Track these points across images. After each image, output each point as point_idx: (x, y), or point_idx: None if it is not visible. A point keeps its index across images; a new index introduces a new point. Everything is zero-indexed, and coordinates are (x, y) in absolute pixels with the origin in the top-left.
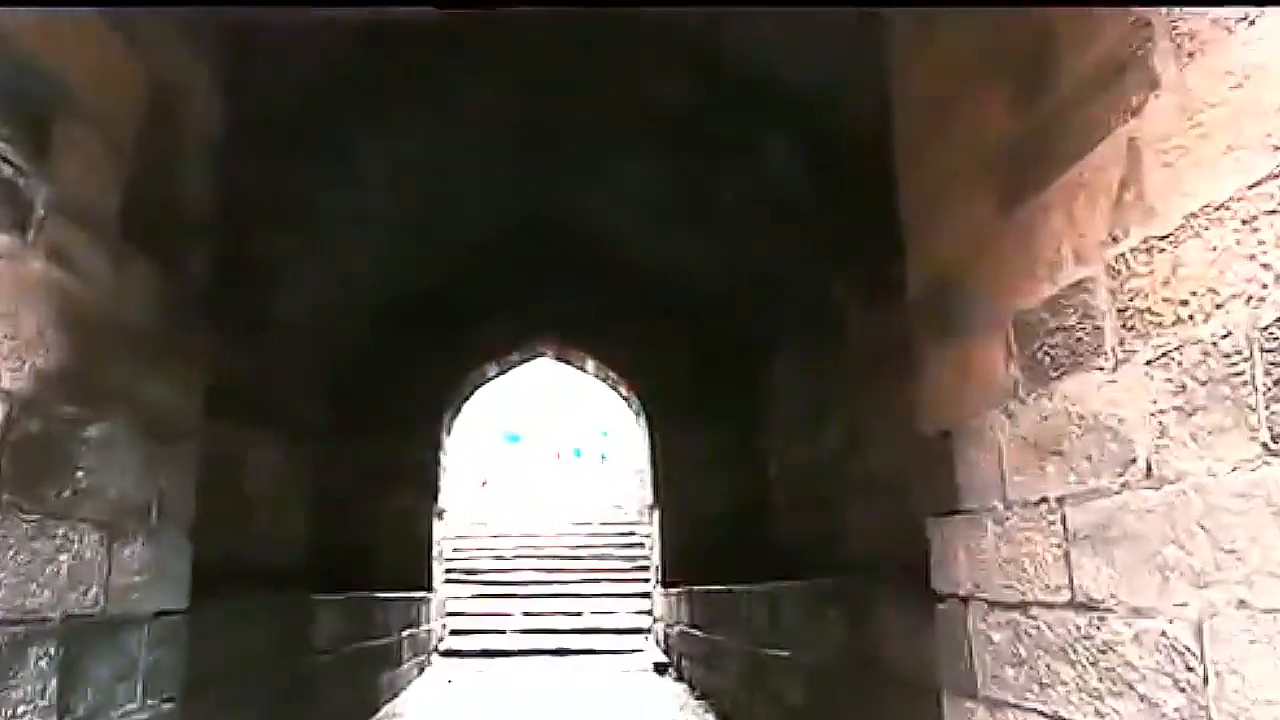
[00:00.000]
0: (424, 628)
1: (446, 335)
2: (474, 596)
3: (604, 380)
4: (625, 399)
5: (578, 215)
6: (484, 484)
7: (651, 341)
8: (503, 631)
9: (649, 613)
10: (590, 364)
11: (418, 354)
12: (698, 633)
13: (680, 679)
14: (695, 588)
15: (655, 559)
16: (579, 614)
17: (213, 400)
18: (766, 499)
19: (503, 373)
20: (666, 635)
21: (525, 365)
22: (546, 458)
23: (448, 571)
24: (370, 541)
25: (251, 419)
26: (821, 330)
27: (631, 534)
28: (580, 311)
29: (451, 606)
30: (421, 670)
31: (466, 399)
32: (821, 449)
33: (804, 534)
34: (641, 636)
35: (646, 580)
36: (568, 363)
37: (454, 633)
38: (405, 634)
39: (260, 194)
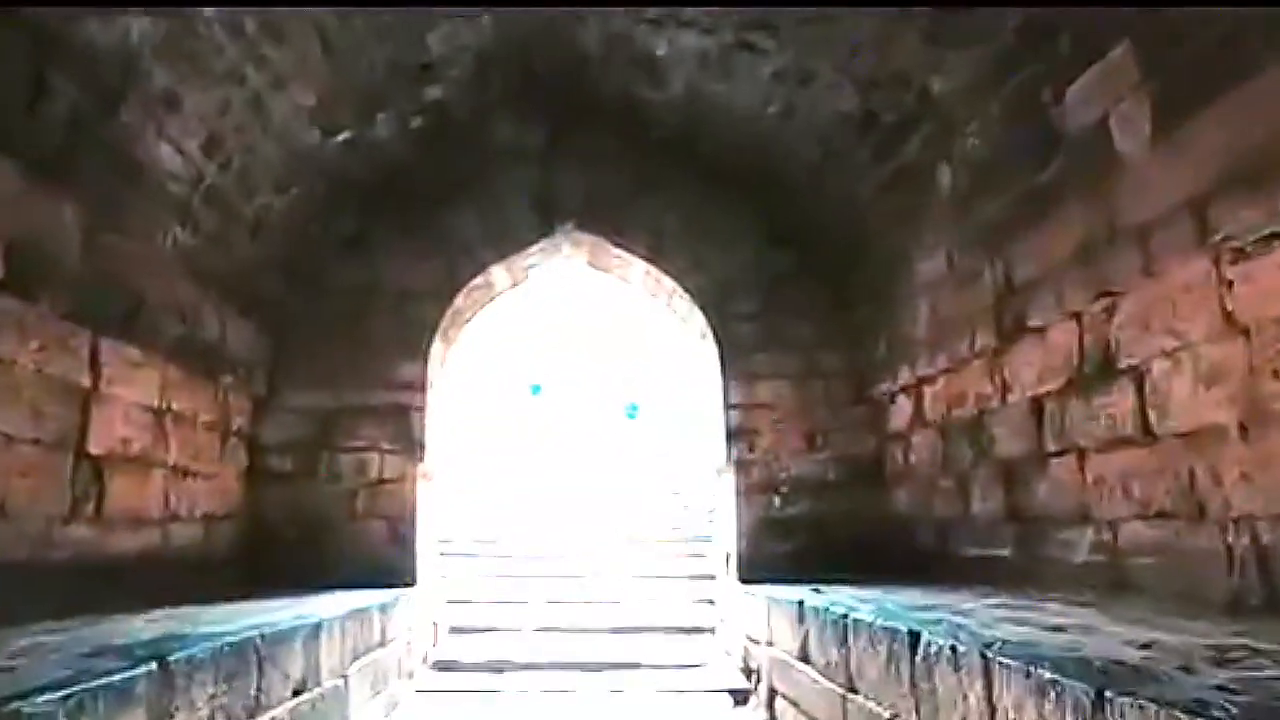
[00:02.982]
0: (394, 643)
1: (426, 227)
2: (483, 577)
3: (653, 293)
4: (682, 318)
5: (612, 45)
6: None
7: (720, 234)
8: (517, 630)
9: (709, 601)
10: (634, 266)
11: (385, 254)
12: (813, 674)
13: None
14: (814, 605)
15: (728, 541)
16: (617, 603)
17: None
18: (887, 460)
19: (516, 285)
20: (747, 650)
21: (545, 270)
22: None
23: (444, 546)
24: (325, 514)
25: (113, 330)
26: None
27: (677, 494)
28: (616, 188)
29: (454, 592)
30: (389, 712)
31: (466, 320)
32: (989, 394)
33: (952, 514)
34: (704, 639)
35: (702, 557)
36: (601, 269)
37: (454, 631)
38: (356, 666)
39: None
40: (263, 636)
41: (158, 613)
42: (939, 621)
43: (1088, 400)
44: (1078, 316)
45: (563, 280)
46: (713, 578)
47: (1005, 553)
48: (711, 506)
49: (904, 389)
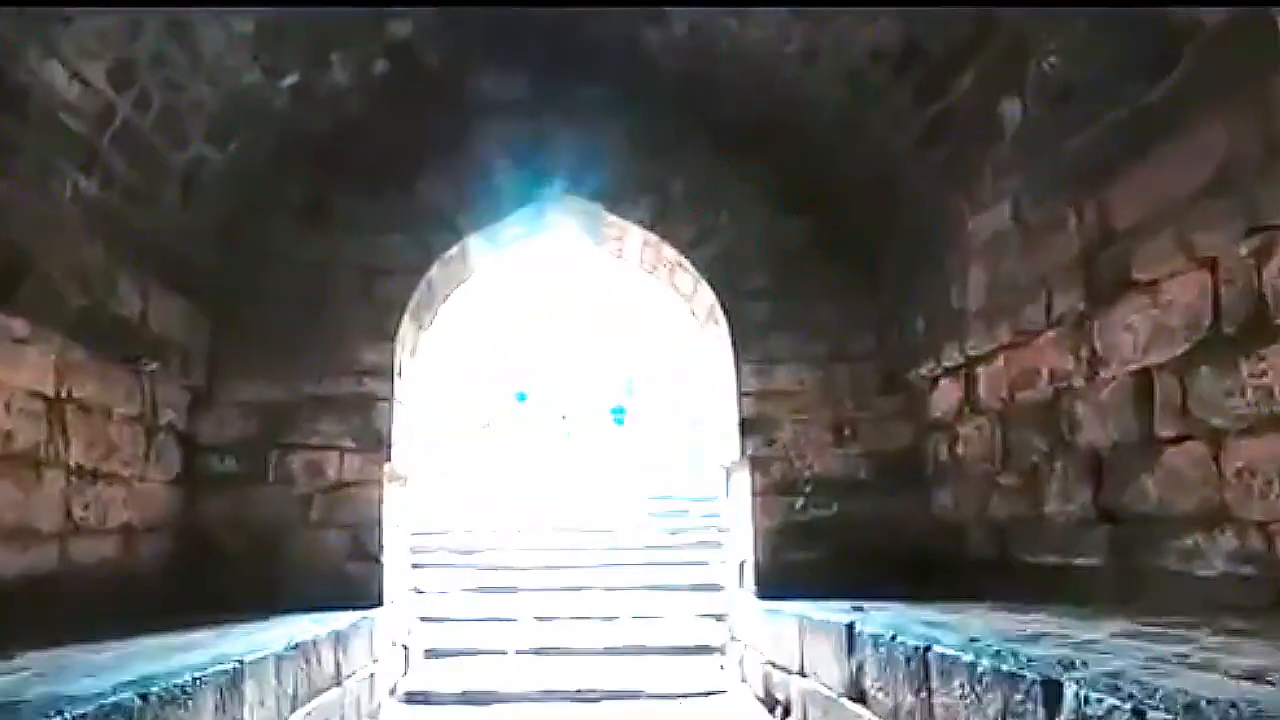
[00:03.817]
0: (354, 679)
1: (393, 192)
2: (463, 592)
3: (652, 268)
4: (685, 296)
5: None
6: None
7: (731, 198)
8: (502, 652)
9: (716, 616)
10: (631, 236)
11: (346, 223)
12: None
13: None
14: (872, 632)
15: (742, 549)
16: (614, 619)
17: None
18: (928, 454)
19: (497, 260)
20: (769, 677)
21: (531, 242)
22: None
23: (418, 557)
24: (275, 524)
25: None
26: None
27: (669, 497)
28: (612, 147)
29: (430, 608)
30: None
31: (440, 300)
32: (1071, 370)
33: (1016, 517)
34: (712, 661)
35: (704, 565)
36: (594, 241)
37: (430, 655)
38: (300, 715)
39: None
40: (145, 696)
41: (26, 657)
42: (1071, 665)
43: (1225, 370)
44: (1211, 263)
45: (550, 255)
46: (716, 588)
47: (1095, 562)
48: (713, 510)
49: (949, 371)
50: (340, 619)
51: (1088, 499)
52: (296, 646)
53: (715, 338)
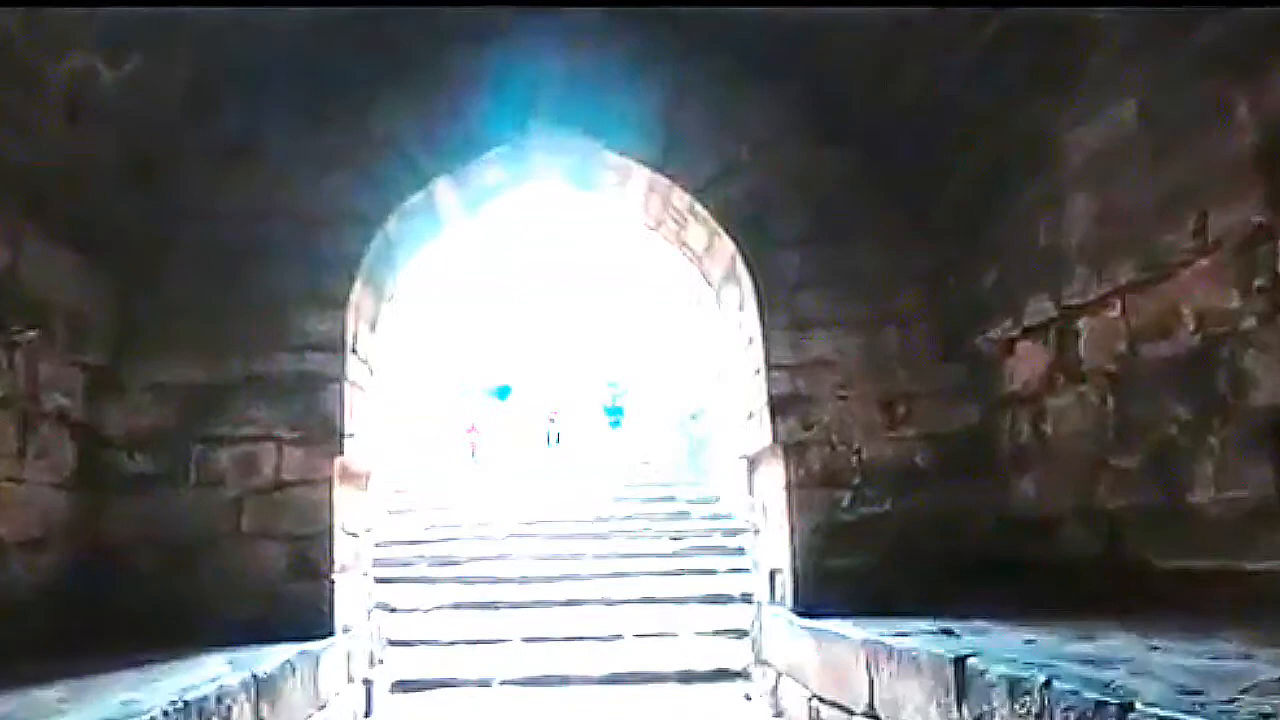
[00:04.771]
0: None
1: (343, 127)
2: (439, 610)
3: (658, 220)
4: (697, 255)
5: None
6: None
7: (755, 129)
8: (485, 683)
9: (734, 633)
10: (634, 178)
11: (285, 164)
12: None
13: None
14: (1006, 673)
15: (774, 555)
16: (616, 638)
17: None
18: (1003, 434)
19: (470, 214)
20: (815, 712)
21: (511, 192)
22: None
23: (385, 568)
24: (197, 534)
25: None
26: None
27: (671, 499)
28: (611, 70)
29: (403, 628)
30: None
31: (402, 259)
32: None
33: (1139, 508)
34: (734, 689)
35: (712, 573)
36: (588, 188)
37: (399, 688)
38: None
39: None
40: None
41: None
42: None
43: None
44: None
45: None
46: (729, 600)
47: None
48: (718, 511)
49: (1032, 331)
50: (270, 656)
51: (1267, 479)
52: (185, 707)
53: (735, 301)
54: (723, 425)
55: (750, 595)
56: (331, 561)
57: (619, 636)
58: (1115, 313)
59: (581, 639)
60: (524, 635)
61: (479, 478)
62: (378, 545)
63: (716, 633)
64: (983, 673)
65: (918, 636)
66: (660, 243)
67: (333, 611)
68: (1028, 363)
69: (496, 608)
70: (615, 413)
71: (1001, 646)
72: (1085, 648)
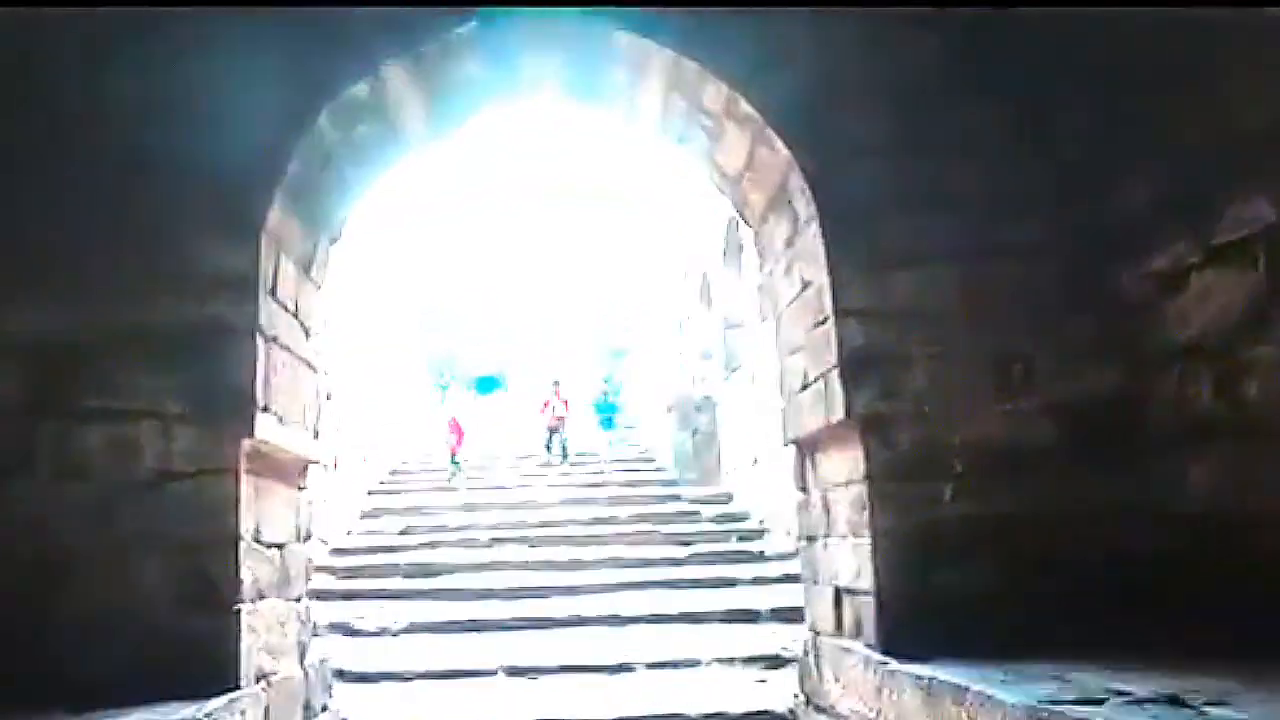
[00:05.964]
0: None
1: None
2: (407, 635)
3: (680, 137)
4: (732, 176)
5: None
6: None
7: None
8: None
9: (767, 661)
10: (650, 73)
11: (176, 41)
12: None
13: None
14: None
15: (843, 568)
16: (626, 668)
17: None
18: (1167, 402)
19: (441, 122)
20: None
21: (486, 90)
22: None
23: (351, 582)
24: (51, 548)
25: None
26: None
27: (676, 498)
28: None
29: (363, 657)
30: None
31: (340, 176)
32: None
33: None
34: None
35: (732, 586)
36: (597, 93)
37: None
38: None
39: None
40: None
41: None
42: None
43: None
44: None
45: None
46: (755, 617)
47: None
48: (729, 512)
49: (1226, 251)
50: None
51: None
52: None
53: (783, 236)
54: (733, 417)
55: (781, 610)
56: (238, 584)
57: (628, 668)
58: None
59: (582, 669)
60: (510, 665)
61: (460, 497)
62: (341, 553)
63: (747, 661)
64: None
65: (1119, 707)
66: (686, 161)
67: (238, 656)
68: (1214, 300)
69: (480, 629)
70: (608, 410)
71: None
72: None
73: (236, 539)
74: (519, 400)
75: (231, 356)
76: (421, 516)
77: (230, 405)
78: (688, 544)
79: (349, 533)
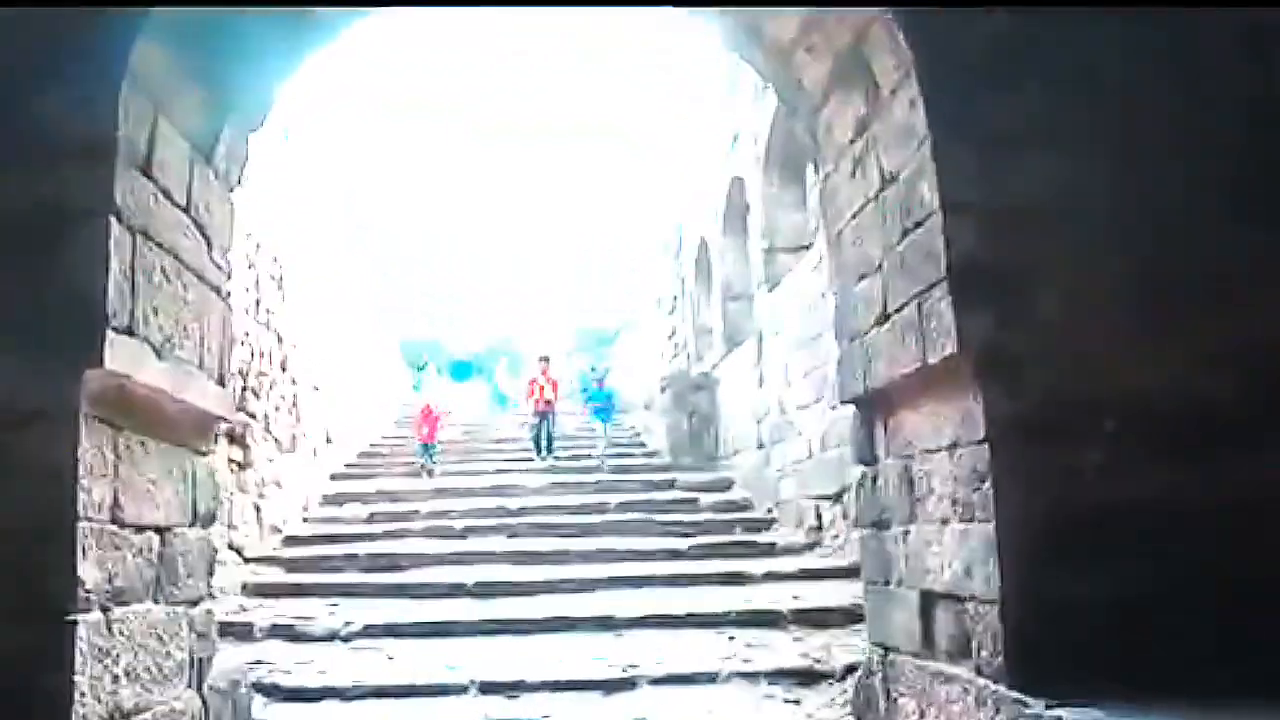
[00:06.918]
0: None
1: None
2: (364, 634)
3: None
4: (783, 48)
5: None
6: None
7: None
8: None
9: (798, 677)
10: None
11: None
12: None
13: None
14: None
15: (929, 566)
16: (627, 684)
17: None
18: None
19: None
20: None
21: None
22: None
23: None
24: None
25: None
26: None
27: (672, 484)
28: None
29: (306, 670)
30: None
31: (262, 51)
32: None
33: None
34: None
35: (740, 585)
36: None
37: None
38: None
39: None
40: None
41: None
42: None
43: None
44: None
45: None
46: (776, 620)
47: None
48: (730, 499)
49: None
50: None
51: None
52: None
53: (857, 116)
54: (734, 397)
55: (805, 612)
56: (74, 584)
57: (629, 684)
58: None
59: (572, 685)
60: (484, 679)
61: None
62: (293, 542)
63: (773, 675)
64: None
65: None
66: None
67: (72, 688)
68: None
69: (450, 633)
70: (603, 397)
71: None
72: None
73: (73, 519)
74: (496, 386)
75: (71, 249)
76: (391, 503)
77: (66, 320)
78: (687, 535)
79: (305, 519)
